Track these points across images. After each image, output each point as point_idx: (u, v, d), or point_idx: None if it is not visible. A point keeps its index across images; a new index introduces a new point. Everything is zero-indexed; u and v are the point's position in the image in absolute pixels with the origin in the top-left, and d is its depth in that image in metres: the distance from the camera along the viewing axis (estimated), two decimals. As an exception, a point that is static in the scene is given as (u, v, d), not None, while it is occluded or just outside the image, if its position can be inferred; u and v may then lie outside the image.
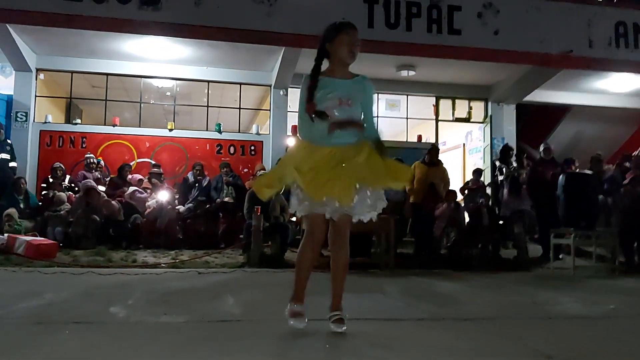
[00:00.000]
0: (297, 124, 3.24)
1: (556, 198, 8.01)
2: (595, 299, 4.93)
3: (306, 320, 3.08)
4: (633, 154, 10.67)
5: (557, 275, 7.07)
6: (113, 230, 8.53)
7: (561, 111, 13.92)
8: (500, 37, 10.07)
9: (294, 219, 8.14)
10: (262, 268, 6.75)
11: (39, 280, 5.31)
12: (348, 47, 3.10)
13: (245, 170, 11.23)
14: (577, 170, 9.40)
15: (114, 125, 11.12)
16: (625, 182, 8.21)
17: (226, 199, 9.41)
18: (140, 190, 9.38)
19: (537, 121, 14.57)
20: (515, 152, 10.54)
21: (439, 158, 9.10)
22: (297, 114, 3.18)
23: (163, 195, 9.02)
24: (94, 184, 9.19)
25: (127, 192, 9.23)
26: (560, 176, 8.13)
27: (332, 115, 3.04)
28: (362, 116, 3.16)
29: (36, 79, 10.82)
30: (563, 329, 3.50)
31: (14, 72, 10.58)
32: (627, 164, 10.00)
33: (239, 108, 11.79)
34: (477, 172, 10.50)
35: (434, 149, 9.05)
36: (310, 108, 3.05)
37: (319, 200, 2.97)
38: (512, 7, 10.27)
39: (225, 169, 9.89)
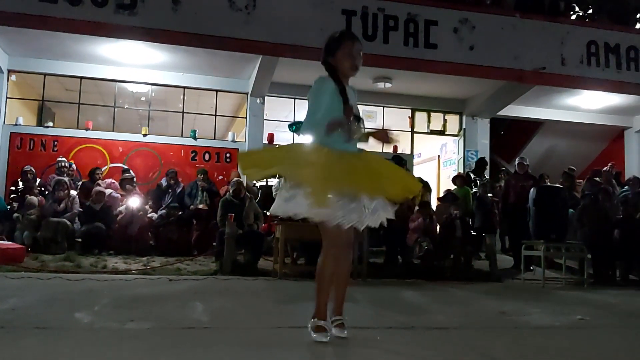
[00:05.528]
0: (308, 126, 3.02)
1: (527, 210, 8.14)
2: (563, 310, 5.00)
3: (329, 335, 3.00)
4: (603, 169, 10.93)
5: (527, 287, 7.17)
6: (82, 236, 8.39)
7: (534, 126, 14.18)
8: (475, 52, 10.22)
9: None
10: (234, 276, 6.70)
11: (4, 285, 5.20)
12: (350, 61, 3.07)
13: (220, 177, 11.14)
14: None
15: (86, 129, 10.93)
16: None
17: (200, 206, 9.32)
18: (115, 193, 9.28)
19: (510, 135, 14.82)
20: (488, 165, 10.68)
21: (407, 167, 9.36)
22: (308, 114, 3.02)
23: (134, 202, 8.90)
24: (64, 178, 9.01)
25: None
26: (532, 189, 8.26)
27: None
28: None
29: (7, 80, 10.60)
30: (528, 338, 3.54)
31: (-16, 73, 10.38)
32: (597, 179, 10.26)
33: (215, 115, 11.71)
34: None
35: (395, 157, 9.24)
36: (350, 112, 2.99)
37: (366, 193, 2.92)
38: (488, 24, 10.45)
39: (201, 176, 9.79)
